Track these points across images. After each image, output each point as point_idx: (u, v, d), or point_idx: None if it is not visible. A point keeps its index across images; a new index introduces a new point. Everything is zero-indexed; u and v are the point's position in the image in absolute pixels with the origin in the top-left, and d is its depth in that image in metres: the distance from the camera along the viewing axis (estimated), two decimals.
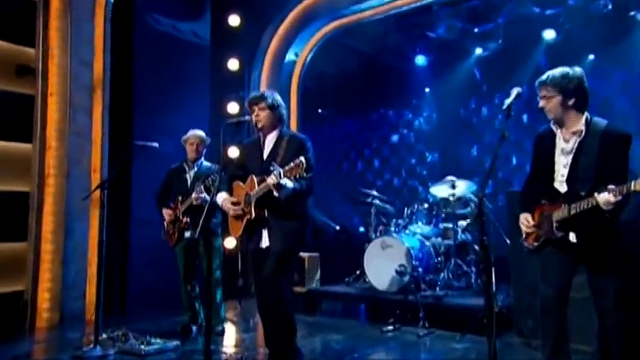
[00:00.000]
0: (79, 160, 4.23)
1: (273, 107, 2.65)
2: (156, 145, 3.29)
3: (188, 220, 3.51)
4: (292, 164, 2.28)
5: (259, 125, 2.65)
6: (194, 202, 3.42)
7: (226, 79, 5.27)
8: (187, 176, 3.62)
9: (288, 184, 2.40)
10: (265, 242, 2.59)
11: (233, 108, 5.25)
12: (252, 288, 2.80)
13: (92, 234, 4.23)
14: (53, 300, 4.03)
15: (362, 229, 5.83)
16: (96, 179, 4.24)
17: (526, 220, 2.25)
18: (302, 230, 2.58)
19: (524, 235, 2.29)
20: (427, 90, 6.23)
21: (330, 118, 6.76)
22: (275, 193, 2.39)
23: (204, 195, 3.37)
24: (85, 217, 4.22)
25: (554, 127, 2.23)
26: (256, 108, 2.65)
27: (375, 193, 4.83)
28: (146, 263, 4.44)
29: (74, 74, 4.20)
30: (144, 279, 4.42)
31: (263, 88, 5.40)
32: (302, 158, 2.29)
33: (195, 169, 3.64)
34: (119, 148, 4.34)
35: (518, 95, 2.03)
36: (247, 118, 2.64)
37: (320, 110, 6.75)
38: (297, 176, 2.29)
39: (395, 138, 6.56)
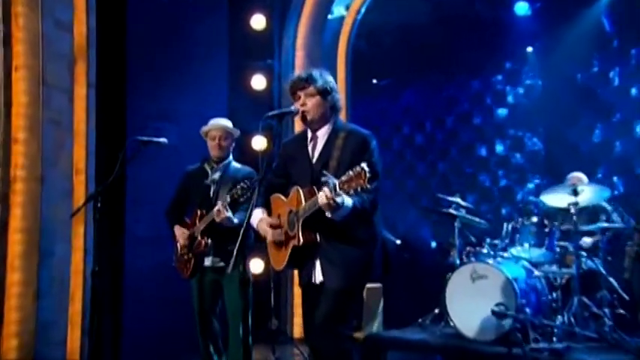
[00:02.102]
0: (57, 158, 4.11)
1: (324, 92, 2.57)
2: (164, 141, 3.24)
3: (209, 241, 3.38)
4: (351, 173, 2.19)
5: (307, 118, 2.58)
6: (216, 219, 3.26)
7: (249, 42, 5.22)
8: (209, 182, 3.49)
9: (346, 200, 2.31)
10: (318, 276, 2.55)
11: (259, 82, 5.21)
12: (286, 328, 2.97)
13: (76, 258, 4.10)
14: (23, 348, 3.88)
15: (434, 243, 5.87)
16: (80, 184, 4.14)
17: None
18: (368, 260, 2.53)
19: None
20: (529, 49, 5.86)
21: (388, 91, 6.65)
22: (328, 214, 2.33)
23: (229, 214, 3.22)
24: (65, 235, 4.07)
25: None
26: (302, 94, 2.57)
27: (459, 200, 4.67)
28: (146, 297, 4.34)
29: (47, 41, 4.06)
30: (144, 319, 4.32)
31: (299, 54, 5.34)
32: (364, 165, 2.17)
33: (220, 172, 3.50)
34: (110, 141, 4.26)
35: None
36: (294, 109, 2.57)
37: (375, 80, 6.67)
38: (359, 189, 2.20)
39: (478, 117, 6.33)
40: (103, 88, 4.33)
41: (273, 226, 2.59)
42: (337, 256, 2.48)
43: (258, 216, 2.63)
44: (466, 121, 6.26)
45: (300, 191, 2.48)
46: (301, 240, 2.45)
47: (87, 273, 4.01)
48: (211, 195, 3.42)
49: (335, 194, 2.22)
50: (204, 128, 3.55)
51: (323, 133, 2.60)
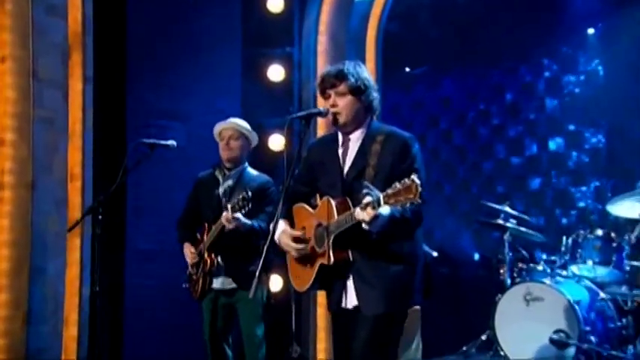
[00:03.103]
0: (50, 163, 4.10)
1: (358, 91, 2.52)
2: (172, 144, 3.24)
3: (218, 259, 3.37)
4: (399, 186, 2.14)
5: (339, 120, 2.52)
6: (227, 226, 3.23)
7: (265, 28, 5.15)
8: (220, 191, 3.45)
9: (385, 210, 2.28)
10: (351, 300, 2.50)
11: (276, 73, 5.10)
12: (309, 355, 3.05)
13: (71, 276, 4.07)
14: None
15: (477, 255, 5.74)
16: (75, 191, 4.12)
17: None
18: (409, 279, 2.49)
19: None
20: (590, 31, 5.72)
21: (423, 80, 6.49)
22: (365, 226, 2.29)
23: (238, 215, 3.15)
24: (59, 249, 4.07)
25: None
26: (332, 93, 2.52)
27: (508, 209, 4.54)
28: (150, 320, 4.34)
29: (38, 28, 4.03)
30: (147, 345, 4.31)
31: (323, 40, 5.21)
32: (415, 177, 2.12)
33: (233, 180, 3.44)
34: (110, 143, 4.28)
35: None
36: (322, 109, 2.54)
37: (408, 69, 6.53)
38: (408, 204, 2.18)
39: (529, 109, 6.13)
40: (102, 82, 4.30)
41: (296, 240, 2.55)
42: (374, 277, 2.44)
43: (280, 228, 2.60)
44: (514, 113, 6.08)
45: (332, 203, 2.45)
46: (332, 259, 2.41)
47: (83, 292, 4.02)
48: (222, 207, 3.35)
49: (378, 208, 2.18)
50: (216, 128, 3.49)
51: (356, 137, 2.55)
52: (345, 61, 2.55)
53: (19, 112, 3.95)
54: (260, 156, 4.21)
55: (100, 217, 3.07)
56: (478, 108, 6.23)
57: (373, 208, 2.19)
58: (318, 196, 2.60)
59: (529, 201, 5.78)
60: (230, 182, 3.42)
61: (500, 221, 4.48)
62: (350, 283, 2.48)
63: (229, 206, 3.13)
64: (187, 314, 3.64)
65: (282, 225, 2.60)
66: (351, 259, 2.44)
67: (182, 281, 3.54)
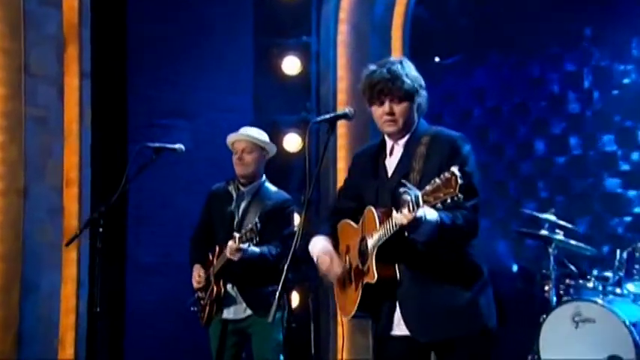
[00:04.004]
0: (43, 166, 4.12)
1: (414, 94, 2.49)
2: (180, 147, 3.25)
3: (229, 287, 3.35)
4: (438, 181, 2.12)
5: (394, 129, 2.50)
6: (230, 257, 3.22)
7: (279, 15, 5.15)
8: (233, 208, 3.44)
9: (428, 213, 2.24)
10: (400, 326, 2.45)
11: (291, 65, 5.07)
12: None
13: (67, 292, 4.07)
14: None
15: (515, 267, 5.53)
16: (72, 199, 4.14)
17: None
18: (471, 301, 2.41)
19: None
20: None
21: (455, 70, 6.27)
22: (407, 233, 2.29)
23: (243, 246, 3.14)
24: (54, 263, 4.07)
25: None
26: (387, 100, 2.48)
27: (553, 217, 4.35)
28: (153, 340, 4.35)
29: (31, 19, 4.04)
30: None
31: (343, 29, 5.19)
32: (455, 169, 2.10)
33: (248, 198, 3.43)
34: (109, 145, 4.32)
35: None
36: (349, 111, 2.50)
37: (438, 58, 6.36)
38: (448, 200, 2.12)
39: (574, 102, 5.92)
40: (100, 77, 4.32)
41: (338, 261, 2.53)
42: (426, 299, 2.39)
43: (319, 245, 2.57)
44: (557, 107, 5.84)
45: (374, 212, 2.41)
46: (375, 275, 2.35)
47: (80, 310, 4.02)
48: (234, 227, 3.34)
49: (416, 207, 2.15)
50: (229, 139, 3.45)
51: (403, 142, 2.54)
52: (390, 58, 2.53)
53: (10, 110, 3.95)
54: (273, 157, 4.14)
55: (100, 229, 3.06)
56: (515, 101, 6.00)
57: (412, 209, 2.14)
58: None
59: (574, 206, 5.55)
60: (245, 200, 3.39)
61: (545, 232, 4.31)
62: (398, 306, 2.43)
63: (237, 236, 3.12)
64: (193, 333, 3.63)
65: (322, 241, 2.58)
66: (398, 275, 2.38)
67: (188, 299, 3.50)
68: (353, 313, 2.51)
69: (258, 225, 3.05)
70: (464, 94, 6.23)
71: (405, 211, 2.16)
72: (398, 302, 2.43)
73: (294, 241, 2.42)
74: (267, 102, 4.64)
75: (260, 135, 3.43)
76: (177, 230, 3.98)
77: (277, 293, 2.33)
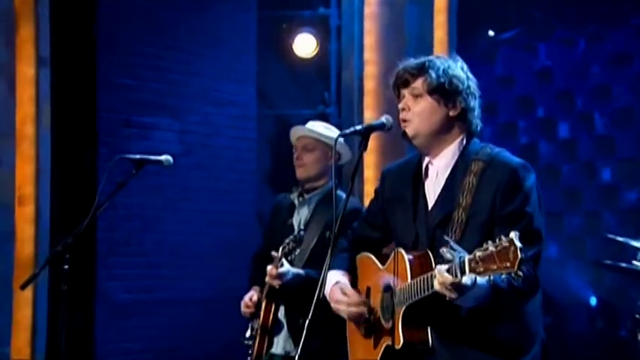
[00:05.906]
0: None
1: (442, 92, 2.45)
2: (167, 159, 3.22)
3: (281, 311, 3.40)
4: (491, 248, 2.11)
5: (407, 132, 2.48)
6: (270, 282, 3.31)
7: None
8: (294, 219, 3.54)
9: (479, 278, 2.22)
10: None
11: (305, 45, 5.09)
12: None
13: (19, 342, 4.14)
14: None
15: (594, 300, 5.51)
16: (26, 221, 4.23)
17: None
18: None
19: None
20: None
21: (514, 46, 6.47)
22: (449, 297, 2.26)
23: (282, 270, 3.20)
24: (3, 303, 4.13)
25: None
26: (406, 92, 2.49)
27: None
28: None
29: None
30: None
31: (371, 0, 5.14)
32: (514, 236, 2.05)
33: (311, 207, 3.48)
34: (74, 151, 4.38)
35: None
36: (386, 121, 2.49)
37: (492, 32, 6.41)
38: (504, 273, 2.13)
39: None
40: (61, 65, 4.39)
41: (354, 304, 2.56)
42: None
43: (333, 279, 2.62)
44: None
45: (406, 258, 2.42)
46: (401, 340, 2.38)
47: None
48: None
49: (461, 274, 2.15)
50: (291, 134, 3.53)
51: (445, 164, 2.48)
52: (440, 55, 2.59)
53: None
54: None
55: (66, 266, 3.02)
56: (591, 85, 6.00)
57: (455, 274, 2.12)
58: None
59: None
60: (307, 210, 3.42)
61: (638, 263, 3.94)
62: None
63: (276, 255, 3.16)
64: None
65: (336, 276, 2.63)
66: (431, 342, 2.38)
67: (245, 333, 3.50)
68: None
69: (302, 233, 3.14)
70: (523, 76, 6.37)
71: (446, 274, 2.13)
72: None
73: (319, 285, 2.42)
74: (273, 91, 4.67)
75: (325, 130, 3.42)
76: (160, 260, 3.95)
77: (305, 325, 2.35)
